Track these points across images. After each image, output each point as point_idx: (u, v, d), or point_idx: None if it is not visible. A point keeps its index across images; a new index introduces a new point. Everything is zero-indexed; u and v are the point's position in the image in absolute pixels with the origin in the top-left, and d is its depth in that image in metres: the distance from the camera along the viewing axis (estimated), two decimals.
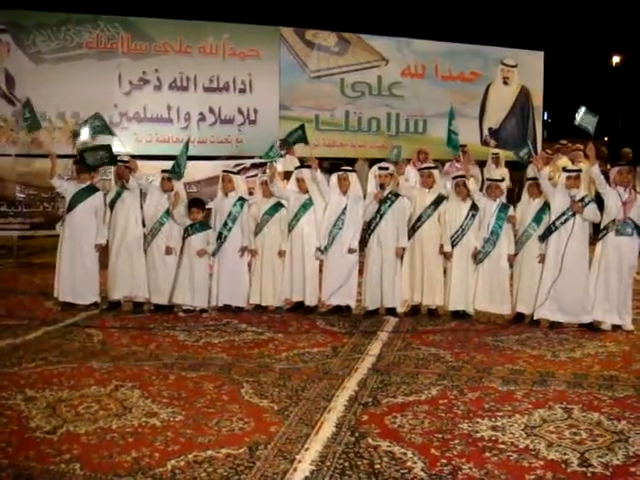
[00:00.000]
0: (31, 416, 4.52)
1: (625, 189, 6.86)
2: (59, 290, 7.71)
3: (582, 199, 6.90)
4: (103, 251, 7.91)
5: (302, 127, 8.05)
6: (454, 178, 7.56)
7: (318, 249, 7.57)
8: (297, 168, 7.90)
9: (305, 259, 7.61)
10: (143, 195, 7.86)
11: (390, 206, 7.45)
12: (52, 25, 11.90)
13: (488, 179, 7.72)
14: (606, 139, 27.29)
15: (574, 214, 6.87)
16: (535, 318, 7.07)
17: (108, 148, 7.77)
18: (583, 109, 7.19)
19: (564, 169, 7.33)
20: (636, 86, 33.09)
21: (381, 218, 7.46)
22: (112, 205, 7.80)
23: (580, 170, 7.11)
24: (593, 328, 6.94)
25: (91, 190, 7.81)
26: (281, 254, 7.69)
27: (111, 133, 8.54)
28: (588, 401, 4.87)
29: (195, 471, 3.74)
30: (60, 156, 10.86)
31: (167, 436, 4.21)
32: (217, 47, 12.91)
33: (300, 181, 7.65)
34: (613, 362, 5.88)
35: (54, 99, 11.81)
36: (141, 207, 7.83)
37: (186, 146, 7.75)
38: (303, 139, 7.98)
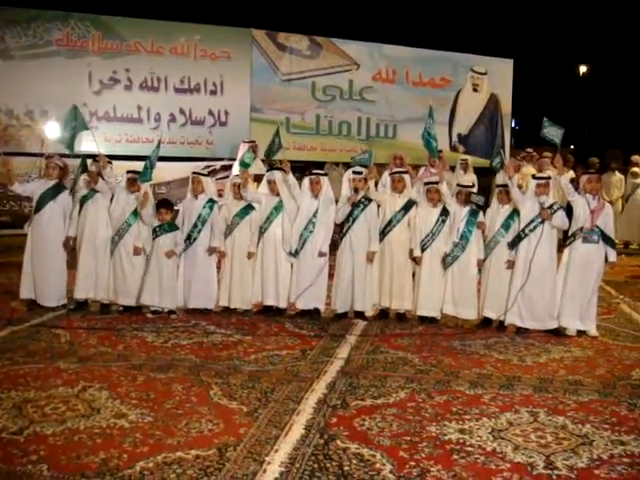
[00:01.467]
0: None
1: (594, 197, 6.95)
2: (25, 291, 7.61)
3: (551, 206, 6.98)
4: (71, 251, 7.81)
5: (277, 132, 8.06)
6: (426, 184, 7.60)
7: (290, 252, 7.58)
8: (268, 170, 7.88)
9: (277, 262, 7.60)
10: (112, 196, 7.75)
11: (363, 210, 7.46)
12: (22, 22, 11.80)
13: (458, 185, 7.77)
14: (572, 147, 27.72)
15: (543, 221, 6.94)
16: (505, 324, 7.12)
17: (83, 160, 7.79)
18: (547, 122, 7.26)
19: (533, 176, 7.40)
20: (601, 96, 33.71)
21: (354, 222, 7.47)
22: (82, 203, 7.67)
23: (549, 177, 7.18)
24: (558, 333, 7.02)
25: (59, 189, 7.67)
26: (250, 256, 7.67)
27: (85, 127, 8.02)
28: (553, 405, 4.94)
29: (164, 472, 3.72)
30: (28, 154, 10.76)
31: (136, 437, 4.19)
32: (189, 48, 12.91)
33: (271, 183, 7.64)
34: (578, 367, 5.96)
35: (22, 97, 11.71)
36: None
37: (157, 148, 7.56)
38: (279, 146, 7.97)
